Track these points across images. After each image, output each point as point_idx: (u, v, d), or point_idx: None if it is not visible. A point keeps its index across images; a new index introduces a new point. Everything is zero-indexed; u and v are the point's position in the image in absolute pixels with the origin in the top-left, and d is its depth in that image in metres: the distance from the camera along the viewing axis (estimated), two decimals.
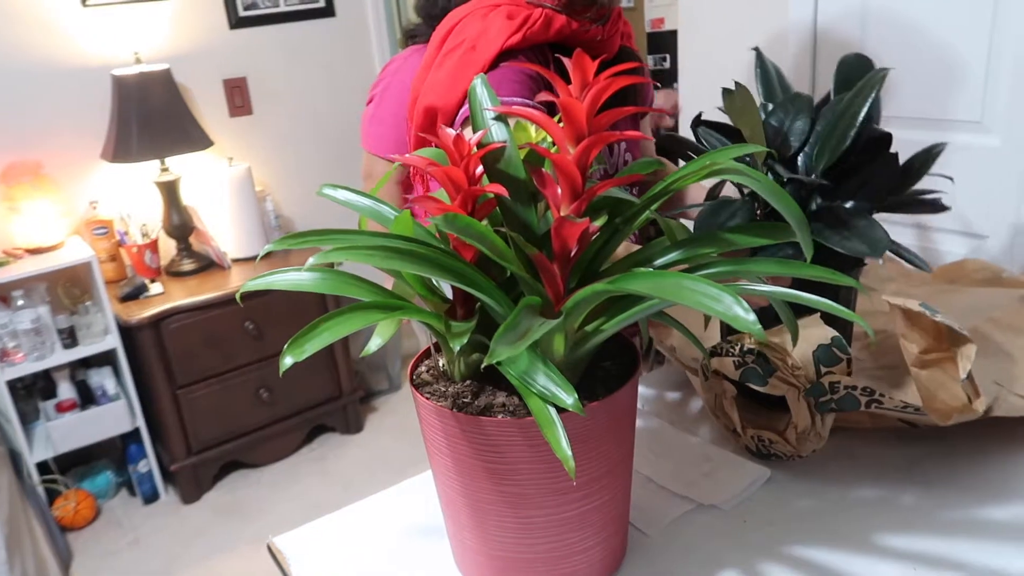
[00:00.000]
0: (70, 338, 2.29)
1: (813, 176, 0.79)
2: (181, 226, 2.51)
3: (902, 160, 0.82)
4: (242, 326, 2.45)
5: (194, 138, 2.44)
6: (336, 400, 2.73)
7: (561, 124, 0.56)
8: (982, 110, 1.41)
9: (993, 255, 1.44)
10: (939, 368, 0.77)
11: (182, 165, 2.54)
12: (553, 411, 0.54)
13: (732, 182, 0.84)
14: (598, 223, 0.61)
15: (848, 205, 0.79)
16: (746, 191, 0.83)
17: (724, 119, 0.86)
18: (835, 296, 0.80)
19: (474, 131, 0.62)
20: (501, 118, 0.62)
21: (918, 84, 1.49)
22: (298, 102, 2.86)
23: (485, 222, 0.59)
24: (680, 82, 2.01)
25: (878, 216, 0.79)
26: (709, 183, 0.88)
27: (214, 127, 2.66)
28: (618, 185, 0.58)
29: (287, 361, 0.53)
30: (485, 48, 0.94)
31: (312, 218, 2.94)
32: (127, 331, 2.31)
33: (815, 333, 0.76)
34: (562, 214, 0.57)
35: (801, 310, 0.69)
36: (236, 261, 2.63)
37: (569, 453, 0.52)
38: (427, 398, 0.62)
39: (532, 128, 0.65)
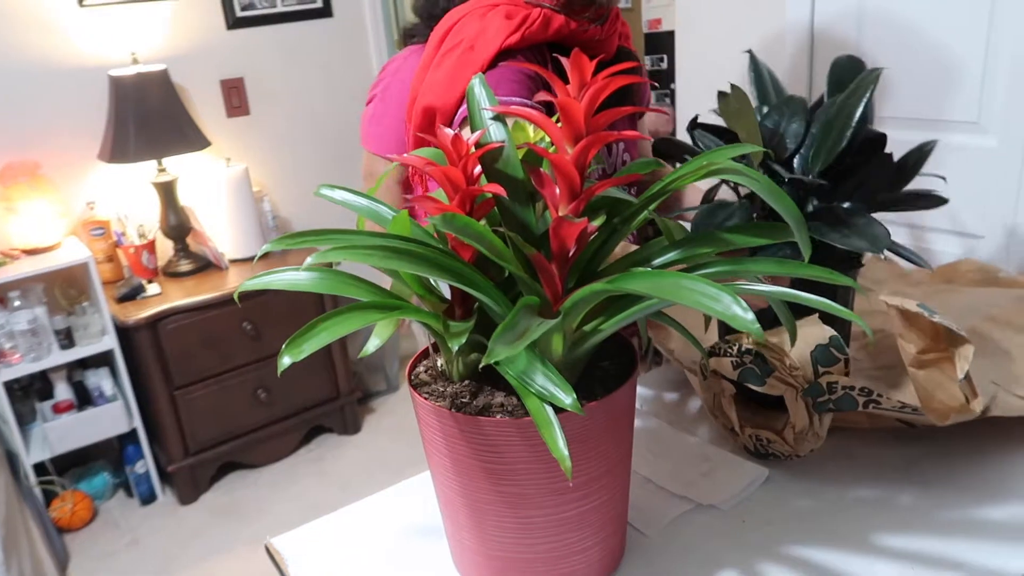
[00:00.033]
0: (67, 339, 2.28)
1: (811, 176, 0.79)
2: (178, 227, 2.51)
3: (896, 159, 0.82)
4: (240, 327, 2.45)
5: (191, 138, 2.44)
6: (334, 401, 2.73)
7: (559, 124, 0.56)
8: (979, 111, 1.41)
9: (989, 255, 1.44)
10: (937, 368, 0.77)
11: (179, 165, 2.54)
12: (551, 411, 0.54)
13: (728, 185, 0.84)
14: (596, 223, 0.61)
15: (845, 206, 0.79)
16: (743, 193, 0.83)
17: (720, 122, 0.86)
18: (833, 297, 0.80)
19: (472, 131, 0.62)
20: (499, 118, 0.62)
21: (915, 85, 1.49)
22: (295, 102, 2.86)
23: (483, 222, 0.59)
24: (677, 83, 2.01)
25: (878, 215, 0.79)
26: (706, 184, 0.88)
27: (211, 127, 2.65)
28: (616, 185, 0.58)
29: (285, 361, 0.53)
30: (483, 48, 0.94)
31: (309, 219, 2.93)
32: (124, 332, 2.30)
33: (813, 333, 0.76)
34: (560, 214, 0.57)
35: (800, 311, 0.69)
36: (233, 262, 2.62)
37: (566, 453, 0.52)
38: (425, 398, 0.62)
39: (530, 128, 0.65)
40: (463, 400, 0.62)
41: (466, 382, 0.64)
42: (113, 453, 2.55)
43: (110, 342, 2.32)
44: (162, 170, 2.45)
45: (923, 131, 1.48)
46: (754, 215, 0.80)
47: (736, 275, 0.60)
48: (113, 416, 2.36)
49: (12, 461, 2.24)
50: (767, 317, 0.65)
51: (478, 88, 0.65)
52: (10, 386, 2.23)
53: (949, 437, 0.83)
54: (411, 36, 1.16)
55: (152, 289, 2.40)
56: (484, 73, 0.92)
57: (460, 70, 0.94)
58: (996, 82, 1.38)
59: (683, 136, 0.97)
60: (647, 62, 2.74)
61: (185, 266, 2.54)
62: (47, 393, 2.37)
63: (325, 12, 2.85)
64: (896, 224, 1.53)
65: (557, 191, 0.57)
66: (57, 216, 2.36)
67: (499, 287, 0.60)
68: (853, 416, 0.84)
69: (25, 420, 2.35)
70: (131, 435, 2.43)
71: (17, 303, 2.21)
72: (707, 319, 0.77)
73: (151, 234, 2.53)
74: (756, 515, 0.76)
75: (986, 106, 1.40)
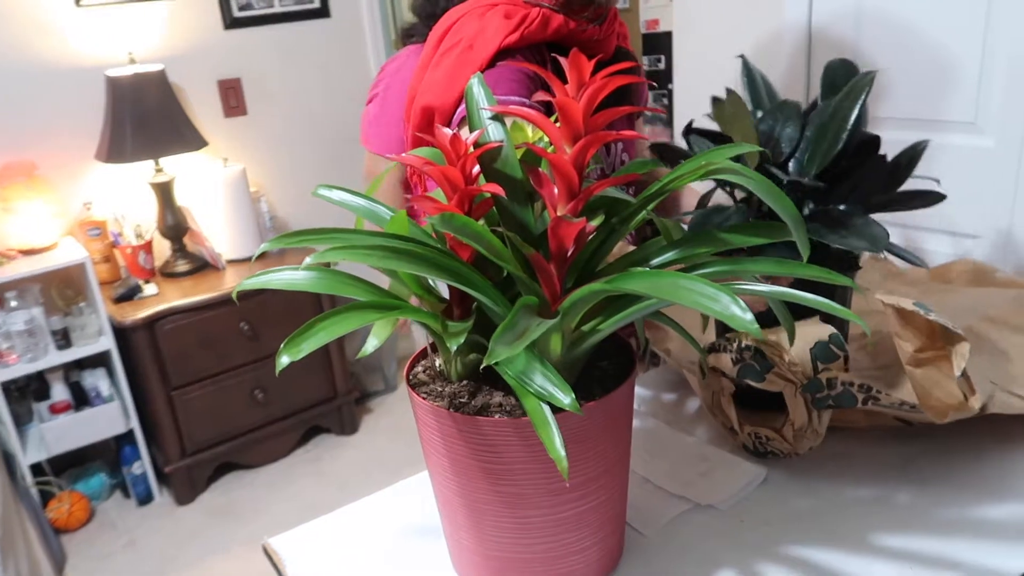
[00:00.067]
0: (64, 339, 2.28)
1: (807, 179, 0.79)
2: (175, 227, 2.51)
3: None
4: (237, 327, 2.45)
5: (188, 139, 2.44)
6: (331, 401, 2.73)
7: (558, 124, 0.56)
8: (976, 111, 1.42)
9: (986, 256, 1.45)
10: (934, 367, 0.77)
11: (176, 166, 2.54)
12: (548, 411, 0.54)
13: (724, 190, 0.85)
14: (595, 223, 0.61)
15: (841, 208, 0.79)
16: (739, 197, 0.83)
17: (714, 126, 0.86)
18: (831, 298, 0.80)
19: (471, 130, 0.62)
20: (498, 117, 0.62)
21: (912, 85, 1.49)
22: (293, 103, 2.86)
23: (482, 222, 0.59)
24: (674, 83, 2.01)
25: (874, 216, 0.79)
26: (703, 188, 0.88)
27: (209, 128, 2.65)
28: (614, 185, 0.58)
29: (283, 360, 0.53)
30: (482, 47, 0.94)
31: (307, 219, 2.93)
32: (121, 332, 2.30)
33: (813, 331, 0.76)
34: (559, 214, 0.57)
35: (800, 313, 0.69)
36: (231, 262, 2.62)
37: (563, 454, 0.52)
38: (424, 398, 0.62)
39: (529, 128, 0.65)
40: (461, 400, 0.61)
41: (464, 382, 0.64)
42: (110, 454, 2.55)
43: (107, 342, 2.31)
44: (159, 170, 2.45)
45: (920, 131, 1.48)
46: (750, 219, 0.80)
47: (734, 275, 0.60)
48: (110, 417, 2.36)
49: (9, 462, 2.24)
50: (767, 319, 0.65)
51: (477, 88, 0.65)
52: (7, 387, 2.23)
53: (947, 436, 0.83)
54: (410, 35, 1.16)
55: (149, 289, 2.40)
56: (483, 72, 0.92)
57: (459, 69, 0.93)
58: (993, 83, 1.38)
59: (679, 140, 0.97)
60: (644, 62, 2.74)
61: (182, 266, 2.54)
62: (44, 394, 2.37)
63: (322, 12, 2.85)
64: (892, 225, 1.53)
65: (555, 191, 0.57)
66: (54, 216, 2.36)
67: (497, 287, 0.60)
68: (851, 416, 0.84)
69: (22, 421, 2.34)
70: (128, 436, 2.43)
71: (14, 303, 2.21)
72: (704, 320, 0.77)
73: (148, 234, 2.53)
74: (754, 515, 0.76)
75: (983, 107, 1.41)
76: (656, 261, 0.62)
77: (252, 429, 2.57)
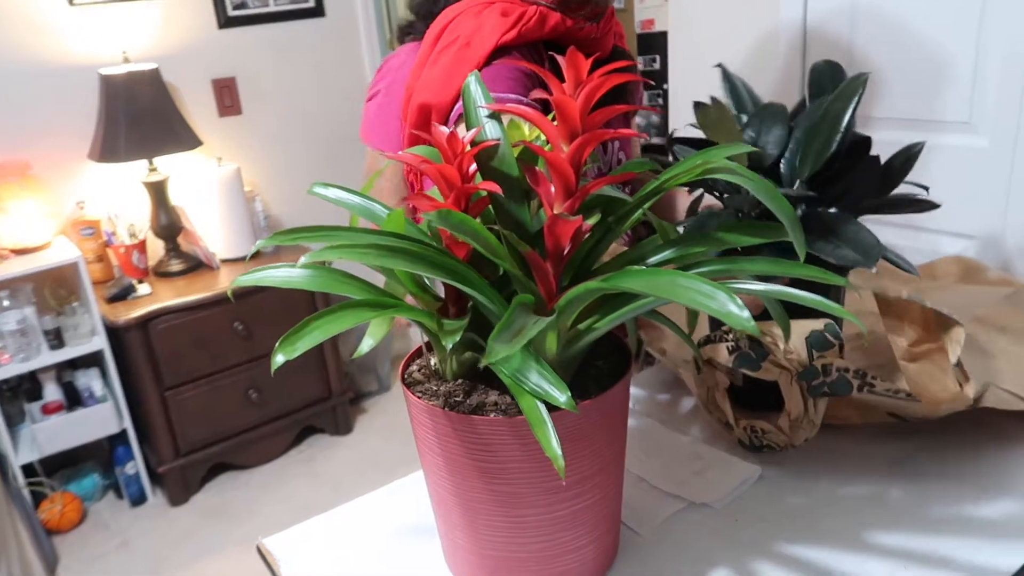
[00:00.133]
0: (56, 339, 2.27)
1: (798, 183, 0.79)
2: (169, 226, 2.50)
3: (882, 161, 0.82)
4: (231, 326, 2.44)
5: (183, 138, 2.43)
6: (325, 401, 2.72)
7: (555, 122, 0.56)
8: (970, 111, 1.42)
9: (981, 255, 1.45)
10: (929, 361, 0.77)
11: (170, 165, 2.53)
12: (544, 410, 0.54)
13: (713, 194, 0.85)
14: (591, 221, 0.61)
15: (832, 211, 0.80)
16: (730, 202, 0.84)
17: (699, 134, 0.86)
18: (825, 297, 0.80)
19: (468, 128, 0.62)
20: (495, 115, 0.62)
21: (907, 84, 1.50)
22: (287, 102, 2.85)
23: (478, 220, 0.59)
24: (670, 83, 2.01)
25: (866, 216, 0.79)
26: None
27: (203, 127, 2.64)
28: (611, 183, 0.58)
29: (279, 359, 0.52)
30: (480, 45, 0.93)
31: (301, 218, 2.93)
32: (114, 332, 2.29)
33: (807, 322, 0.76)
34: (555, 212, 0.57)
35: (796, 313, 0.69)
36: (225, 261, 2.61)
37: (559, 452, 0.52)
38: (419, 397, 0.62)
39: (526, 126, 0.65)
40: (456, 399, 0.61)
41: (459, 381, 0.64)
42: (103, 454, 2.54)
43: (100, 342, 2.30)
44: (153, 169, 2.44)
45: (914, 131, 1.49)
46: (748, 212, 0.81)
47: (730, 274, 0.60)
48: (103, 417, 2.35)
49: (1, 463, 2.22)
50: (763, 316, 0.65)
51: (474, 85, 0.65)
52: None
53: (941, 433, 0.83)
54: (407, 33, 1.15)
55: (143, 289, 2.39)
56: (480, 70, 0.92)
57: (456, 67, 0.93)
58: (987, 82, 1.39)
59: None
60: (640, 63, 2.74)
61: (176, 266, 2.53)
62: (36, 394, 2.36)
63: (317, 12, 2.85)
64: (885, 224, 1.54)
65: (552, 189, 0.57)
66: (47, 216, 2.35)
67: (494, 285, 0.60)
68: (845, 413, 0.85)
69: (14, 421, 2.33)
70: (121, 436, 2.42)
71: (6, 303, 2.20)
72: (691, 318, 0.77)
73: (142, 234, 2.52)
74: (749, 513, 0.76)
75: (977, 106, 1.41)
76: (652, 260, 0.62)
77: (246, 429, 2.56)
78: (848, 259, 0.72)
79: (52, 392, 2.34)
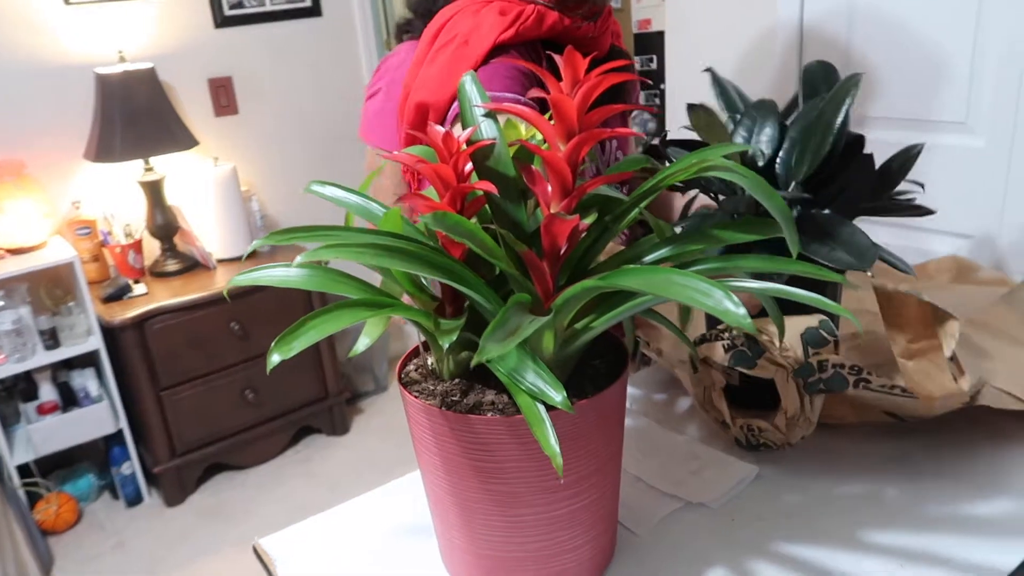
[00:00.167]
0: (52, 339, 2.26)
1: (794, 184, 0.79)
2: (165, 226, 2.49)
3: (881, 162, 0.82)
4: (227, 326, 2.44)
5: (179, 137, 2.43)
6: (322, 401, 2.72)
7: (552, 121, 0.56)
8: (967, 111, 1.42)
9: (977, 255, 1.45)
10: (926, 359, 0.77)
11: (166, 165, 2.52)
12: (542, 409, 0.54)
13: (708, 195, 0.85)
14: (588, 221, 0.61)
15: (826, 212, 0.80)
16: (723, 203, 0.84)
17: (694, 135, 0.86)
18: (822, 295, 0.80)
19: (464, 127, 0.62)
20: (491, 115, 0.62)
21: (904, 83, 1.50)
22: (284, 102, 2.85)
23: (474, 220, 0.59)
24: (667, 83, 2.01)
25: (861, 218, 0.79)
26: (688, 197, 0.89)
27: (199, 126, 2.64)
28: (608, 183, 0.58)
29: (274, 359, 0.52)
30: (478, 43, 0.93)
31: (297, 218, 2.92)
32: (110, 332, 2.29)
33: (802, 319, 0.76)
34: (552, 211, 0.57)
35: (792, 311, 0.69)
36: (221, 261, 2.61)
37: (557, 451, 0.52)
38: (415, 396, 0.62)
39: (523, 125, 0.65)
40: (453, 398, 0.61)
41: (456, 380, 0.64)
42: (98, 454, 2.53)
43: (96, 342, 2.30)
44: (149, 169, 2.44)
45: (911, 131, 1.49)
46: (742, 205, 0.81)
47: (725, 272, 0.60)
48: (98, 417, 2.34)
49: None
50: (759, 315, 0.65)
51: (469, 85, 0.64)
52: None
53: (937, 432, 0.84)
54: (406, 31, 1.15)
55: (138, 289, 2.39)
56: (477, 69, 0.92)
57: (454, 66, 0.93)
58: (984, 82, 1.39)
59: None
60: (637, 62, 2.75)
61: (172, 266, 2.53)
62: (31, 394, 2.35)
63: (314, 11, 2.84)
64: (882, 224, 1.54)
65: (549, 188, 0.57)
66: (42, 215, 2.34)
67: (490, 285, 0.60)
68: (841, 411, 0.85)
69: (9, 421, 2.33)
70: (117, 436, 2.42)
71: (1, 303, 2.19)
72: (682, 315, 0.77)
73: (138, 233, 2.51)
74: (745, 512, 0.76)
75: (974, 106, 1.41)
76: (649, 258, 0.62)
77: (242, 429, 2.56)
78: (843, 262, 0.72)
79: (48, 392, 2.33)
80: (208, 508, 2.45)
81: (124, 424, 2.39)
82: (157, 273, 2.52)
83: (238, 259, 2.61)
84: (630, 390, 1.01)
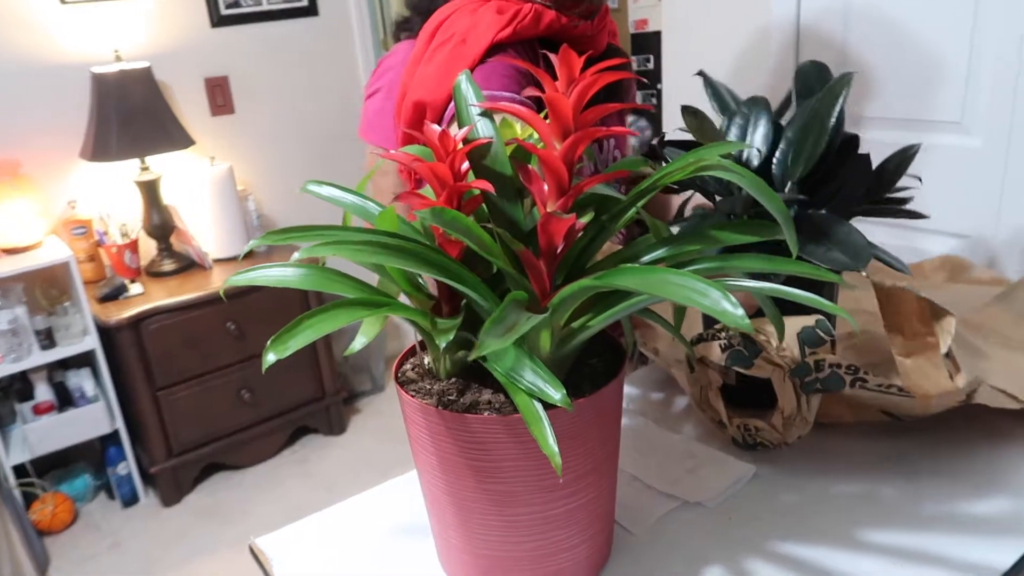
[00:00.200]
0: (48, 339, 2.26)
1: (790, 184, 0.79)
2: (161, 226, 2.49)
3: (878, 162, 0.82)
4: (223, 326, 2.43)
5: (175, 137, 2.42)
6: (319, 401, 2.71)
7: (548, 120, 0.56)
8: (963, 111, 1.43)
9: (973, 255, 1.46)
10: (923, 357, 0.78)
11: (163, 164, 2.52)
12: (540, 407, 0.53)
13: (706, 194, 0.85)
14: (584, 219, 0.61)
15: (822, 212, 0.80)
16: (720, 203, 0.84)
17: (688, 137, 0.86)
18: (819, 294, 0.80)
19: (460, 127, 0.62)
20: (487, 114, 0.62)
21: (900, 84, 1.50)
22: (280, 101, 2.84)
23: (471, 219, 0.59)
24: (663, 83, 2.02)
25: (857, 218, 0.79)
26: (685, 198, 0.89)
27: (195, 126, 2.63)
28: (605, 181, 0.58)
29: (270, 358, 0.52)
30: (475, 42, 0.93)
31: (294, 217, 2.92)
32: (106, 332, 2.28)
33: (799, 319, 0.76)
34: (548, 210, 0.56)
35: (789, 311, 0.69)
36: (217, 261, 2.60)
37: (556, 449, 0.52)
38: (412, 396, 0.62)
39: (519, 124, 0.65)
40: (450, 397, 0.61)
41: (453, 380, 0.64)
42: (95, 455, 2.53)
43: (91, 342, 2.29)
44: (145, 169, 2.43)
45: (907, 131, 1.49)
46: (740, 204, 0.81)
47: (723, 272, 0.60)
48: (95, 417, 2.34)
49: None
50: (756, 314, 0.65)
51: (465, 84, 0.64)
52: None
53: (934, 431, 0.84)
54: (404, 29, 1.15)
55: (135, 289, 2.38)
56: (474, 67, 0.92)
57: (451, 64, 0.93)
58: (980, 82, 1.39)
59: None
60: (633, 62, 2.75)
61: (168, 265, 2.52)
62: (27, 394, 2.35)
63: (310, 11, 2.84)
64: (878, 224, 1.54)
65: (545, 187, 0.57)
66: (38, 215, 2.34)
67: (487, 283, 0.59)
68: (837, 411, 0.85)
69: (5, 421, 2.32)
70: (113, 436, 2.41)
71: None
72: (677, 314, 0.77)
73: (134, 233, 2.51)
74: (742, 511, 0.76)
75: (970, 106, 1.42)
76: (646, 258, 0.62)
77: (239, 429, 2.55)
78: (839, 262, 0.72)
79: (43, 392, 2.33)
80: (204, 508, 2.45)
81: (120, 424, 2.39)
82: (153, 273, 2.52)
83: (234, 259, 2.61)
84: (627, 389, 1.01)
